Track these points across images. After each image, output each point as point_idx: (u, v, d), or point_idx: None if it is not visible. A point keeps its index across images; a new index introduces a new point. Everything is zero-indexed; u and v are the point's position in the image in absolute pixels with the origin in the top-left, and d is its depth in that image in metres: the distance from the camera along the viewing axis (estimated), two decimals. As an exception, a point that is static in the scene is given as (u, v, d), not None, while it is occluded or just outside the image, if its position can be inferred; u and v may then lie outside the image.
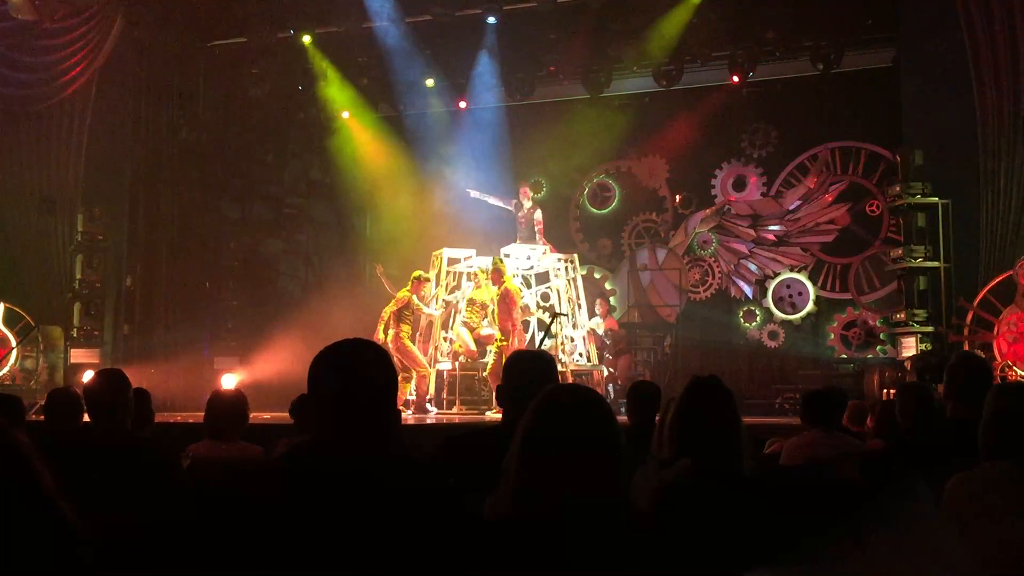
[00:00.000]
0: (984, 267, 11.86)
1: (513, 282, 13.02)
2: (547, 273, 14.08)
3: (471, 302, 13.06)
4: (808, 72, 15.06)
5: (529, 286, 14.23)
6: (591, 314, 14.54)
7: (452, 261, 13.97)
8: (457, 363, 13.10)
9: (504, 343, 12.06)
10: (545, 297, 14.25)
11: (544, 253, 13.81)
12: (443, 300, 13.50)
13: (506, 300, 12.31)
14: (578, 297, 13.96)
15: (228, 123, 16.33)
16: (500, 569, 2.16)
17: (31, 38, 14.25)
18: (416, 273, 12.92)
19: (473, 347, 12.89)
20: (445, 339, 13.56)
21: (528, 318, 14.18)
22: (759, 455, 6.76)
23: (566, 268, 14.03)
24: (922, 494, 3.21)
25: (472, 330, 12.91)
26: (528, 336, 14.25)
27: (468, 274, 13.66)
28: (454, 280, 13.97)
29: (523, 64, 15.90)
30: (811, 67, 14.85)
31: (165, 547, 3.00)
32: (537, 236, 13.76)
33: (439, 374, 13.12)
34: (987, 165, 11.90)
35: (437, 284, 13.56)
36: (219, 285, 16.55)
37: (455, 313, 13.53)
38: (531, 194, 14.07)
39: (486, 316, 12.97)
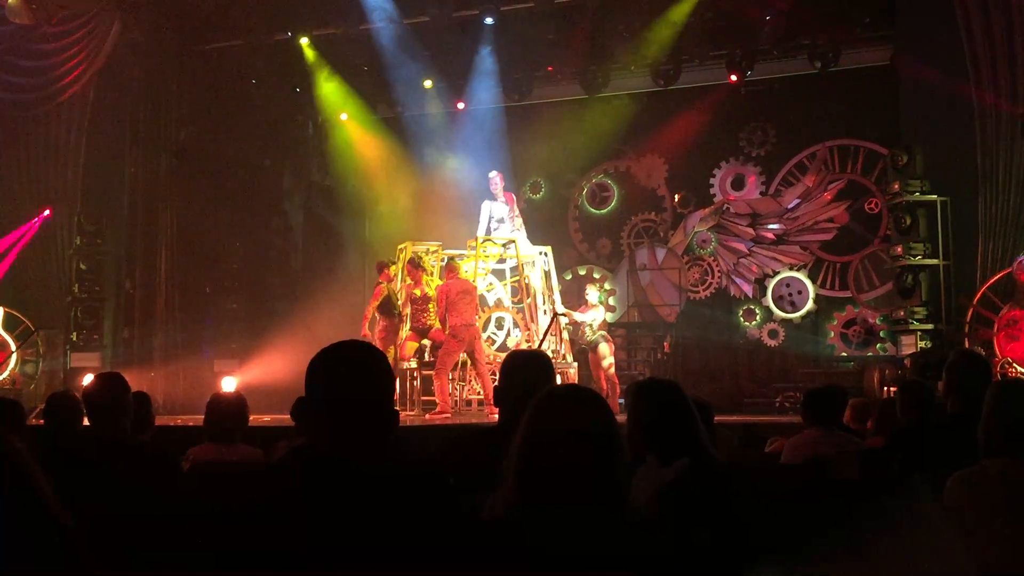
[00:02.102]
0: (983, 264, 11.86)
1: (476, 281, 12.76)
2: (520, 266, 13.56)
3: (414, 299, 12.37)
4: (806, 70, 15.07)
5: (503, 279, 14.02)
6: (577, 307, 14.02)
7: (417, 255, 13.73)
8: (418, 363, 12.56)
9: (455, 339, 11.65)
10: (515, 291, 13.93)
11: (516, 235, 13.37)
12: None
13: (464, 296, 11.81)
14: (551, 291, 13.65)
15: (226, 126, 16.30)
16: (499, 570, 2.15)
17: (28, 42, 14.26)
18: (378, 261, 12.81)
19: (420, 351, 12.45)
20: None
21: (503, 314, 14.03)
22: (760, 454, 6.77)
23: (540, 261, 13.68)
24: (922, 492, 3.21)
25: (426, 332, 12.29)
26: (503, 333, 14.11)
27: (408, 267, 12.77)
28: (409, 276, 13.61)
29: (521, 64, 15.90)
30: (809, 65, 14.86)
31: (165, 550, 2.99)
32: (516, 225, 13.52)
33: (404, 373, 12.78)
34: (985, 162, 11.90)
35: (402, 279, 13.21)
36: (219, 288, 16.53)
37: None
38: (501, 184, 13.73)
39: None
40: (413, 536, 2.18)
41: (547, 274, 13.65)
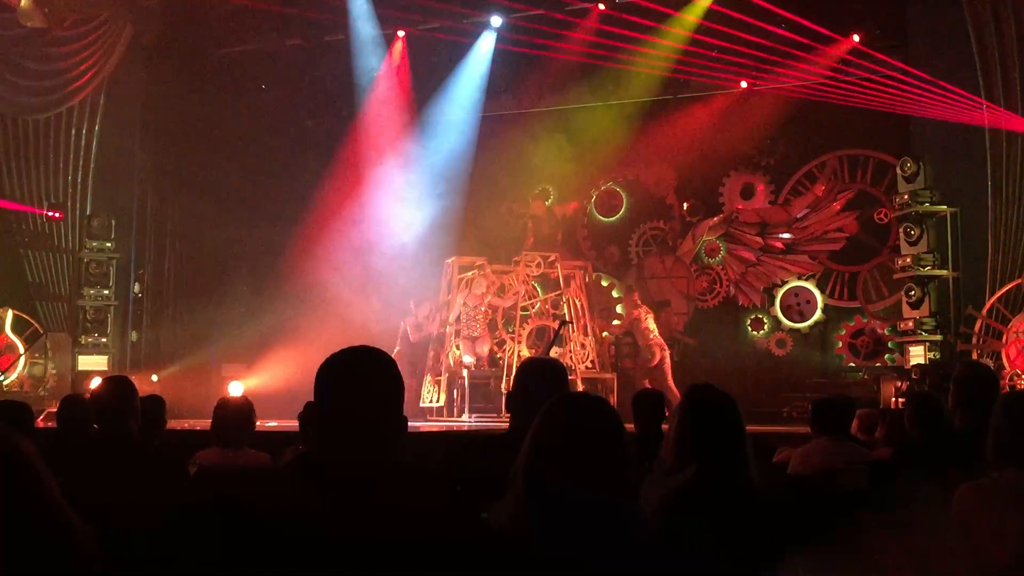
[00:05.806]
0: (992, 276, 11.84)
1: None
2: (558, 281, 13.93)
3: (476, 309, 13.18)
4: (815, 79, 15.02)
5: (540, 293, 14.20)
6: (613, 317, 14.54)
7: (463, 268, 13.98)
8: (466, 371, 13.05)
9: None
10: (556, 304, 14.19)
11: (554, 261, 13.75)
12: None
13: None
14: (588, 306, 13.91)
15: (236, 130, 16.35)
16: (505, 577, 2.15)
17: (40, 45, 14.30)
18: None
19: (470, 359, 12.96)
20: (456, 347, 13.59)
21: (544, 326, 14.18)
22: (768, 464, 6.75)
23: (579, 276, 13.95)
24: (930, 503, 3.20)
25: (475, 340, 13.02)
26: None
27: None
28: (466, 287, 13.96)
29: (530, 72, 15.90)
30: (818, 74, 14.81)
31: (172, 555, 2.99)
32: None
33: (452, 380, 13.10)
34: (995, 173, 11.88)
35: (449, 291, 13.59)
36: (226, 292, 16.56)
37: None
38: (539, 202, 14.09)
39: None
40: (418, 543, 2.18)
41: (587, 287, 13.89)
